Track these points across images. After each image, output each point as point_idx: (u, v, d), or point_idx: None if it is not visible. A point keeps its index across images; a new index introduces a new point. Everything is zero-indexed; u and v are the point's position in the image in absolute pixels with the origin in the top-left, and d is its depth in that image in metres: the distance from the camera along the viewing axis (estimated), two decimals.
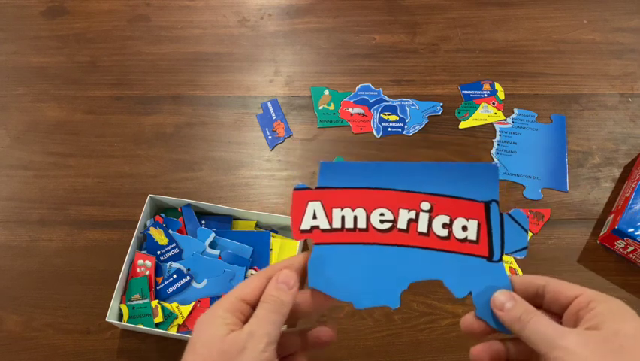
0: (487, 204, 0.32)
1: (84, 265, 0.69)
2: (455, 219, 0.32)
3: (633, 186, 0.70)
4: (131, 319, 0.62)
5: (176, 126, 0.81)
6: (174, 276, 0.64)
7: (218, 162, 0.78)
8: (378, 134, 0.80)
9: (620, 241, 0.67)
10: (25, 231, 0.72)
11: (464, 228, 0.32)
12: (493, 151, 0.77)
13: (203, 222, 0.69)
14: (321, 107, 0.82)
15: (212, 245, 0.67)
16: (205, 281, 0.65)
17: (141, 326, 0.61)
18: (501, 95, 0.83)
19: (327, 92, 0.84)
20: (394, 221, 0.32)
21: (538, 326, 0.27)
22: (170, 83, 0.85)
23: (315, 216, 0.33)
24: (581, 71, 0.85)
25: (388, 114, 0.81)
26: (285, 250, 0.67)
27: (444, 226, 0.32)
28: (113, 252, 0.69)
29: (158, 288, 0.64)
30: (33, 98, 0.84)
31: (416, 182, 0.32)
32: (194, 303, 0.63)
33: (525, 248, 0.32)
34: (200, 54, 0.88)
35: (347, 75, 0.86)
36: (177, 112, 0.82)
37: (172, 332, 0.62)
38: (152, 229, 0.66)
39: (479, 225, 0.32)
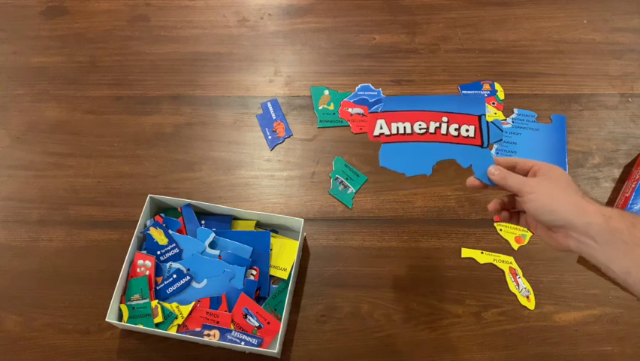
0: (479, 117, 0.54)
1: (84, 265, 0.69)
2: (462, 125, 0.54)
3: (633, 186, 0.70)
4: (130, 319, 0.62)
5: (175, 126, 0.81)
6: (174, 276, 0.64)
7: (218, 162, 0.78)
8: None
9: None
10: (25, 231, 0.72)
11: (467, 130, 0.54)
12: (493, 151, 0.77)
13: (203, 222, 0.69)
14: (320, 107, 0.82)
15: (212, 245, 0.67)
16: (205, 281, 0.65)
17: (141, 326, 0.61)
18: (501, 95, 0.83)
19: (327, 92, 0.84)
20: (427, 128, 0.54)
21: (514, 178, 0.49)
22: (169, 83, 0.85)
23: (381, 128, 0.55)
24: (581, 71, 0.85)
25: None
26: (285, 250, 0.67)
27: (455, 129, 0.54)
28: (112, 252, 0.69)
29: (158, 288, 0.64)
30: (33, 98, 0.84)
31: (440, 106, 0.55)
32: (194, 303, 0.63)
33: (501, 140, 0.57)
34: (199, 54, 0.88)
35: (347, 75, 0.86)
36: (177, 112, 0.82)
37: (172, 331, 0.62)
38: (152, 229, 0.66)
39: (475, 128, 0.54)
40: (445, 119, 0.54)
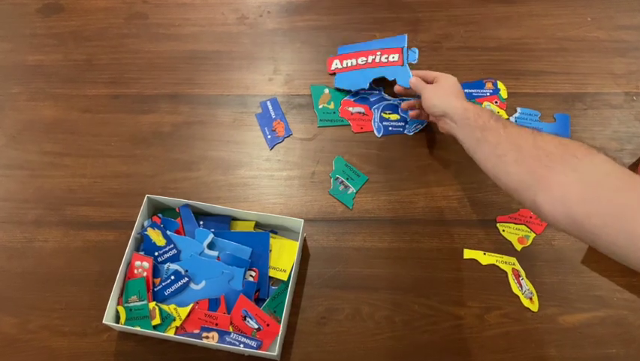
0: (402, 48, 0.81)
1: (80, 266, 0.69)
2: (390, 55, 0.81)
3: None
4: (128, 321, 0.61)
5: (173, 125, 0.80)
6: (172, 277, 0.64)
7: (216, 161, 0.77)
8: (379, 134, 0.79)
9: None
10: (21, 232, 0.71)
11: (393, 57, 0.80)
12: None
13: (201, 222, 0.68)
14: (321, 106, 0.81)
15: (211, 246, 0.66)
16: (203, 283, 0.64)
17: (138, 328, 0.60)
18: (504, 93, 0.82)
19: (327, 90, 0.83)
20: (367, 60, 0.82)
21: (420, 84, 0.72)
22: (167, 81, 0.84)
23: (336, 65, 0.83)
24: (585, 70, 0.84)
25: (389, 113, 0.80)
26: (284, 251, 0.66)
27: (385, 58, 0.81)
28: (109, 253, 0.68)
29: (155, 289, 0.63)
30: (29, 97, 0.83)
31: (376, 46, 0.83)
32: (192, 305, 0.62)
33: (416, 60, 0.81)
34: (198, 52, 0.87)
35: None
36: (175, 111, 0.81)
37: (170, 334, 0.61)
38: (149, 229, 0.66)
39: (399, 55, 0.80)
40: (378, 53, 0.82)
